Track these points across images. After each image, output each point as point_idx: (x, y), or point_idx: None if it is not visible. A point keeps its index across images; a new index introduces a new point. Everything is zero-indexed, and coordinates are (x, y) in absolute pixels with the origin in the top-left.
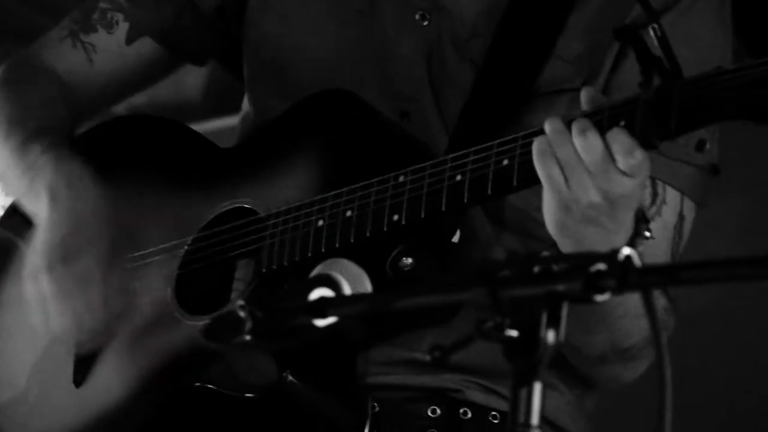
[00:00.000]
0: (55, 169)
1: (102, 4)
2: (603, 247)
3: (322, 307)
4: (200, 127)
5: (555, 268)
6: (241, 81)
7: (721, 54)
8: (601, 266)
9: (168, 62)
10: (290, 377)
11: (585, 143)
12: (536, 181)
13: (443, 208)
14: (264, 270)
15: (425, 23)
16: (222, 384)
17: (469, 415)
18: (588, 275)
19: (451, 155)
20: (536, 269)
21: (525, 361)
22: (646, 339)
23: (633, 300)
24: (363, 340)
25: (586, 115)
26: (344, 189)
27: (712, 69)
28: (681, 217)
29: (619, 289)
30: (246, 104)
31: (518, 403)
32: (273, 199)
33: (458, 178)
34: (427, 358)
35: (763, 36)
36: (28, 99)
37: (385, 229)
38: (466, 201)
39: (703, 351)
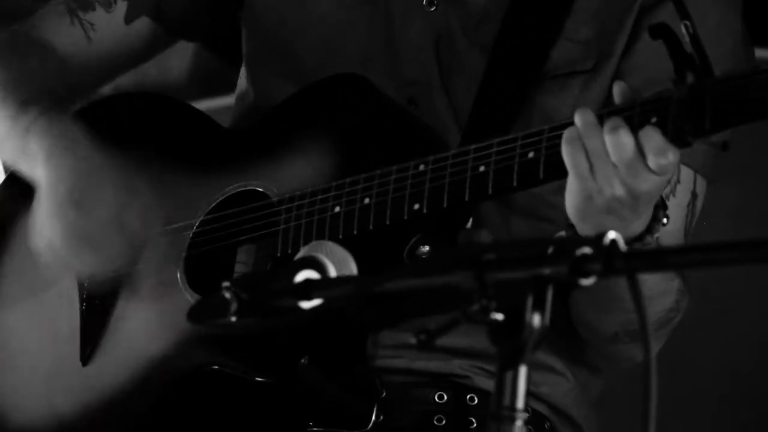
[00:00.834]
0: (48, 130)
1: None
2: (622, 233)
3: (308, 289)
4: None
5: (541, 251)
6: (229, 62)
7: (732, 38)
8: (587, 250)
9: (163, 40)
10: (306, 362)
11: (616, 141)
12: (563, 175)
13: (467, 199)
14: (279, 255)
15: (432, 8)
16: (234, 367)
17: (476, 401)
18: (573, 259)
19: (474, 146)
20: (522, 252)
21: (510, 345)
22: (660, 321)
23: (646, 282)
24: (371, 323)
25: (617, 111)
26: (361, 176)
27: (748, 68)
28: (694, 195)
29: (604, 274)
30: (243, 83)
31: (503, 387)
32: (283, 183)
33: (482, 169)
34: (413, 341)
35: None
36: (23, 69)
37: (406, 217)
38: (490, 192)
39: (695, 338)
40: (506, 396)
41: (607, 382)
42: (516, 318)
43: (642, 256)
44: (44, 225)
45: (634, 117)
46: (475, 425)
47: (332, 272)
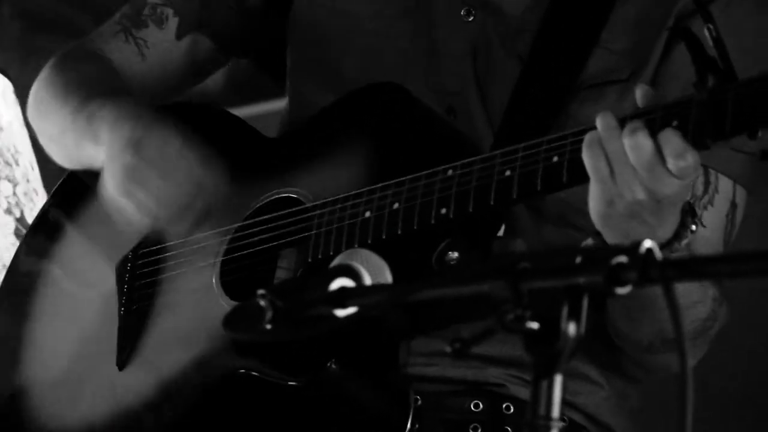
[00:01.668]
0: (116, 108)
1: (152, 0)
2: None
3: (343, 297)
4: None
5: (576, 260)
6: (272, 76)
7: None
8: (623, 259)
9: (217, 56)
10: (334, 366)
11: (633, 143)
12: (586, 179)
13: (492, 203)
14: (310, 260)
15: (470, 19)
16: (266, 371)
17: (512, 410)
18: (609, 268)
19: (501, 150)
20: (557, 261)
21: (546, 354)
22: (697, 330)
23: (677, 290)
24: (405, 331)
25: (640, 114)
26: (392, 182)
27: None
28: (733, 205)
29: (640, 283)
30: (288, 94)
31: (539, 396)
32: (320, 190)
33: (507, 173)
34: (448, 349)
35: None
36: (84, 72)
37: (433, 222)
38: (515, 196)
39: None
40: (542, 405)
41: (646, 391)
42: (551, 327)
43: (678, 265)
44: (107, 172)
45: (656, 120)
46: None
47: (367, 280)
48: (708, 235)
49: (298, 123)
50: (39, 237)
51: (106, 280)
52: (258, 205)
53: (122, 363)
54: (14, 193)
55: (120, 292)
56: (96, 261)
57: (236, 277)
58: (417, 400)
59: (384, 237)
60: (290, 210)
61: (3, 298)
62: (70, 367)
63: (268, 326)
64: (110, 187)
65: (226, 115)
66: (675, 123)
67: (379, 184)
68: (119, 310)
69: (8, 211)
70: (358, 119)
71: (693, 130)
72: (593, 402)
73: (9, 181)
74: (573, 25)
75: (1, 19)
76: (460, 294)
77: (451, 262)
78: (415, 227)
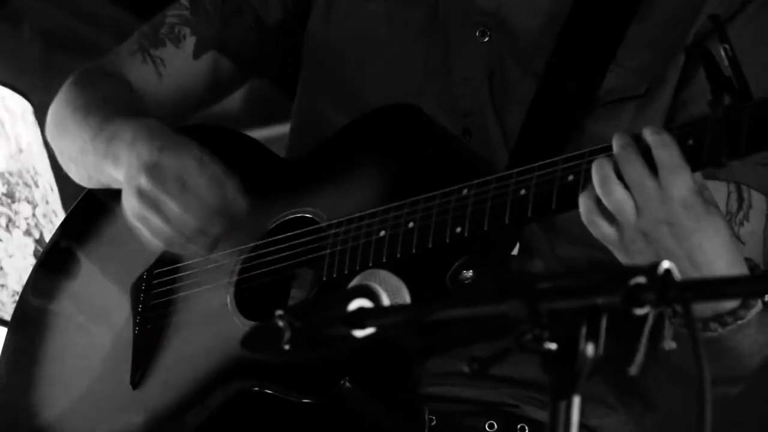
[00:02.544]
0: (135, 131)
1: (169, 19)
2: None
3: (361, 317)
4: None
5: (594, 280)
6: (287, 95)
7: None
8: (641, 280)
9: (236, 76)
10: (348, 384)
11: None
12: None
13: (506, 222)
14: (324, 279)
15: (485, 39)
16: (280, 389)
17: (527, 430)
18: (627, 288)
19: (516, 170)
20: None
21: (563, 375)
22: (757, 363)
23: (748, 342)
24: (419, 350)
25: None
26: (406, 201)
27: None
28: None
29: (658, 303)
30: (296, 114)
31: (557, 416)
32: (335, 209)
33: (522, 192)
34: (466, 369)
35: None
36: (103, 91)
37: (448, 241)
38: (529, 215)
39: None
40: (560, 426)
41: (663, 415)
42: (569, 347)
43: (696, 285)
44: (125, 193)
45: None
46: None
47: (385, 301)
48: (746, 251)
49: (307, 142)
50: (49, 270)
51: (120, 304)
52: (273, 225)
53: (136, 382)
54: (34, 215)
55: (134, 311)
56: (108, 287)
57: (251, 296)
58: (432, 420)
59: (398, 256)
60: (305, 229)
61: (17, 329)
62: (86, 386)
63: (287, 346)
64: (127, 209)
65: (241, 136)
66: (690, 142)
67: (394, 204)
68: (134, 329)
69: (28, 233)
70: (373, 139)
71: (708, 148)
72: (608, 426)
73: (28, 202)
74: (589, 43)
75: (21, 39)
76: (478, 314)
77: (466, 281)
78: (429, 246)
